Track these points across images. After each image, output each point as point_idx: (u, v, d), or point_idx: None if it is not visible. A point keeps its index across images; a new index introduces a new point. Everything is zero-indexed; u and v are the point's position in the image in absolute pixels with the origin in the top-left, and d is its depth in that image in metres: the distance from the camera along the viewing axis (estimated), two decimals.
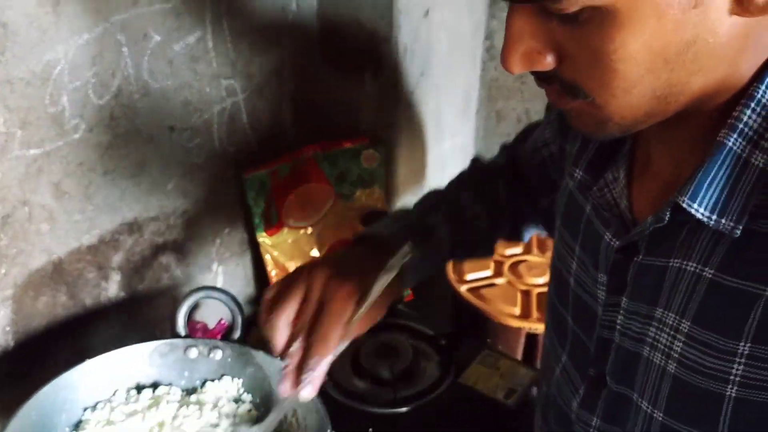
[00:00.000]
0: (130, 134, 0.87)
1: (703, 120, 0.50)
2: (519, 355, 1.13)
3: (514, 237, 0.89)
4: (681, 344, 0.51)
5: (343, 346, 0.62)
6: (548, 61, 0.48)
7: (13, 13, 0.71)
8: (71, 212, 0.84)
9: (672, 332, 0.52)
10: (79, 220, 0.85)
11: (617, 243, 0.56)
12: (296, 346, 0.61)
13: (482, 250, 0.87)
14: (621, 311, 0.57)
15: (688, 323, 0.51)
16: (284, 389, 0.61)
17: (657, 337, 0.53)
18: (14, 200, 0.78)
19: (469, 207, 0.85)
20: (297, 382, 0.60)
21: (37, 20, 0.73)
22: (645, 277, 0.54)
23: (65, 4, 0.75)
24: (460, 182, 0.88)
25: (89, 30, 0.78)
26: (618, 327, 0.57)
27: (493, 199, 0.85)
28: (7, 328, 0.82)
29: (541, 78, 0.50)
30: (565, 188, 0.67)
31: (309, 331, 0.61)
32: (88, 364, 0.76)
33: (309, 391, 0.60)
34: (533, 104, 1.32)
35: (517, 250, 1.27)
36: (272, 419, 0.69)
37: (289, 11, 1.04)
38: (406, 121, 1.16)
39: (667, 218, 0.50)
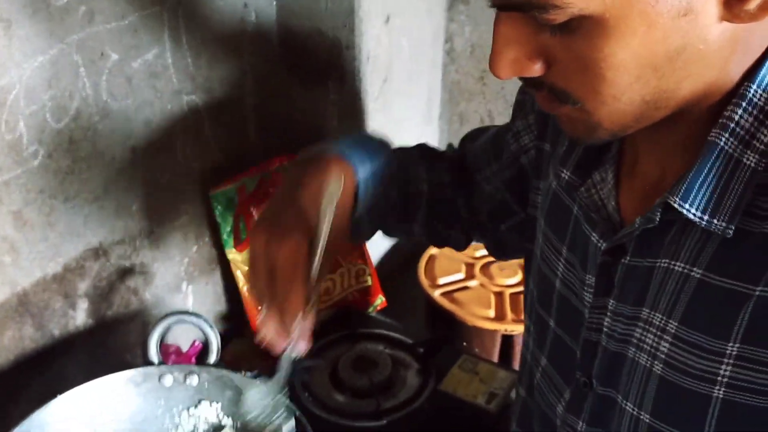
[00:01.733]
0: (91, 157, 0.84)
1: (692, 121, 0.50)
2: (496, 358, 1.13)
3: (445, 238, 0.86)
4: (668, 345, 0.51)
5: (314, 299, 0.61)
6: (537, 68, 0.48)
7: None
8: (34, 242, 0.81)
9: (659, 333, 0.52)
10: (43, 249, 0.82)
11: (604, 244, 0.56)
12: (262, 317, 0.61)
13: (410, 219, 0.82)
14: (608, 313, 0.57)
15: (675, 323, 0.51)
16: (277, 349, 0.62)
17: (643, 338, 0.53)
18: None
19: (415, 165, 0.82)
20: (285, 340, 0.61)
21: None
22: (632, 278, 0.54)
23: (17, 27, 0.71)
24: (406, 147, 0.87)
25: (43, 52, 0.75)
26: (605, 329, 0.57)
27: (438, 174, 0.82)
28: None
29: (530, 84, 0.50)
30: (548, 190, 0.67)
31: (270, 302, 0.61)
32: (58, 401, 0.73)
33: (302, 345, 0.62)
34: (495, 105, 1.32)
35: None
36: (278, 380, 0.69)
37: (248, 22, 1.01)
38: (371, 127, 1.15)
39: (658, 219, 0.51)
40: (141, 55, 0.87)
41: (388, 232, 0.86)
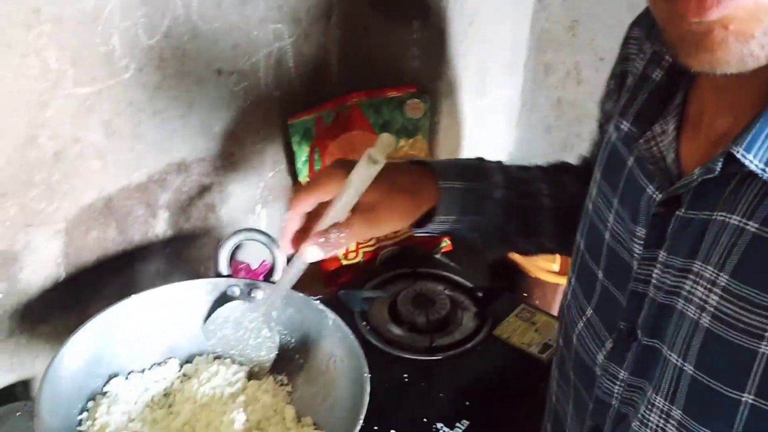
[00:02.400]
0: (179, 75, 0.88)
1: (765, 76, 0.47)
2: (555, 311, 1.13)
3: None
4: (717, 298, 0.51)
5: (342, 236, 0.66)
6: None
7: None
8: (121, 151, 0.86)
9: (708, 286, 0.51)
10: (129, 158, 0.88)
11: (660, 196, 0.55)
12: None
13: (536, 234, 0.82)
14: (657, 265, 0.56)
15: (726, 277, 0.50)
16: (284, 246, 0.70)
17: (692, 290, 0.53)
18: (66, 137, 0.80)
19: (534, 181, 0.83)
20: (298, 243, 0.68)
21: None
22: (685, 230, 0.54)
23: None
24: (525, 166, 0.87)
25: None
26: (653, 281, 0.57)
27: (562, 186, 0.83)
28: (59, 261, 0.86)
29: None
30: (607, 141, 0.66)
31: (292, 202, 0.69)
32: (135, 298, 0.79)
33: (312, 250, 0.66)
34: (583, 57, 1.28)
35: None
36: (283, 282, 0.74)
37: None
38: (452, 71, 1.15)
39: (718, 169, 0.49)
40: None
41: (517, 249, 0.87)
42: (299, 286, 0.79)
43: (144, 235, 0.94)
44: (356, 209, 0.67)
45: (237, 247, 0.99)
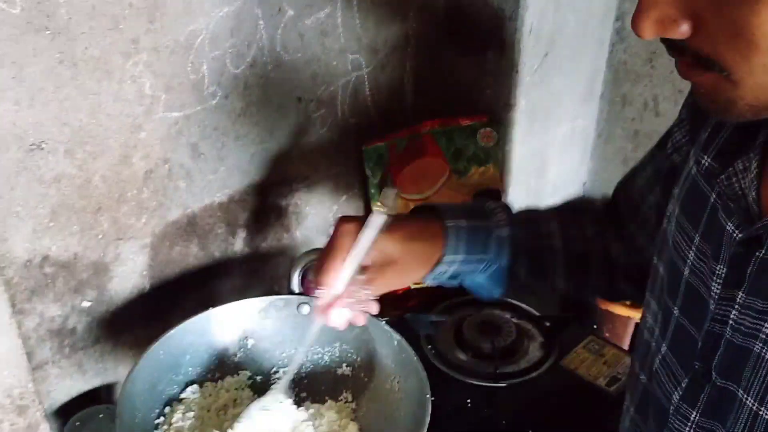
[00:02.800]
0: (261, 102, 0.93)
1: None
2: (626, 345, 1.11)
3: (604, 291, 0.84)
4: None
5: (361, 291, 0.68)
6: (683, 30, 0.45)
7: None
8: (206, 172, 0.92)
9: None
10: (212, 179, 0.93)
11: (740, 235, 0.54)
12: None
13: (545, 277, 0.81)
14: (736, 306, 0.55)
15: None
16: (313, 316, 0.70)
17: None
18: (156, 158, 0.86)
19: (544, 221, 0.82)
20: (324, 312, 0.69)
21: None
22: (765, 272, 0.52)
23: None
24: (535, 208, 0.86)
25: (229, 3, 0.84)
26: (731, 322, 0.56)
27: (577, 227, 0.82)
28: (144, 273, 0.92)
29: (673, 47, 0.48)
30: (687, 175, 0.65)
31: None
32: (212, 312, 0.84)
33: (342, 314, 0.69)
34: (662, 89, 1.27)
35: None
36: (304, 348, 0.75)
37: None
38: (526, 101, 1.16)
39: None
40: (314, 13, 0.94)
41: (529, 291, 0.87)
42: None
43: (223, 252, 0.99)
44: (377, 263, 0.70)
45: (309, 267, 1.03)
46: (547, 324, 1.06)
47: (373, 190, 1.10)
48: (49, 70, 0.72)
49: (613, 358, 1.02)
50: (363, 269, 0.69)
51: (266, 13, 0.88)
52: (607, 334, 1.11)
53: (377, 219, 0.69)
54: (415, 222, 0.77)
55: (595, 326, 1.13)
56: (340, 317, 0.69)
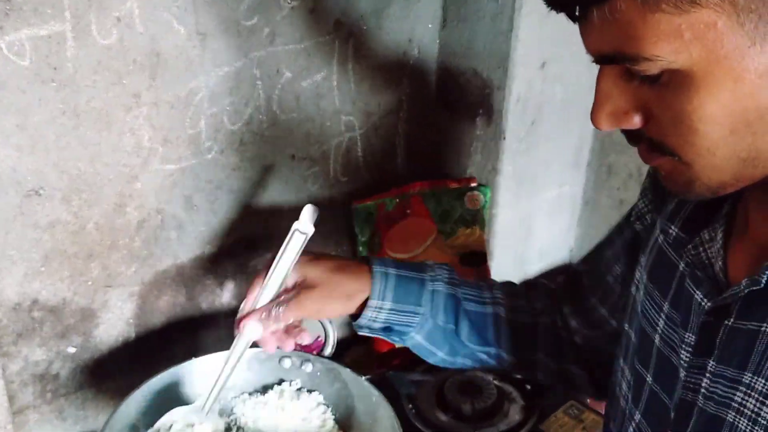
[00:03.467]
0: (255, 159, 0.96)
1: None
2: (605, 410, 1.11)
3: (552, 372, 0.82)
4: None
5: (281, 310, 0.73)
6: (635, 121, 0.51)
7: (166, 44, 0.81)
8: (198, 223, 0.94)
9: (761, 398, 0.51)
10: (204, 231, 0.95)
11: (708, 304, 0.56)
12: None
13: (490, 343, 0.80)
14: (707, 374, 0.56)
15: None
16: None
17: (744, 402, 0.53)
18: (150, 208, 0.88)
19: (488, 288, 0.83)
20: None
21: (185, 52, 0.83)
22: (735, 341, 0.54)
23: (211, 39, 0.85)
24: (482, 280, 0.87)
25: (229, 64, 0.88)
26: (702, 390, 0.57)
27: (525, 298, 0.82)
28: (131, 320, 0.93)
29: (630, 136, 0.53)
30: (654, 244, 0.67)
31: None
32: (195, 361, 0.85)
33: (253, 326, 0.74)
34: None
35: None
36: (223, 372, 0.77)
37: (411, 56, 1.11)
38: (513, 166, 1.20)
39: (764, 281, 0.50)
40: (311, 76, 0.98)
41: (473, 357, 0.82)
42: (352, 365, 0.84)
43: (210, 303, 1.01)
44: (298, 286, 0.74)
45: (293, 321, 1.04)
46: (528, 387, 1.07)
47: (360, 247, 1.12)
48: (52, 120, 0.75)
49: (592, 424, 1.02)
50: (286, 291, 0.74)
51: (265, 74, 0.92)
52: (588, 400, 1.11)
53: (295, 238, 0.73)
54: (345, 260, 0.80)
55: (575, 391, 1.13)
56: (252, 331, 0.73)
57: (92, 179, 0.81)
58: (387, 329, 0.78)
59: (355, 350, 1.17)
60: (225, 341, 1.02)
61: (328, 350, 0.88)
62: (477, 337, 0.81)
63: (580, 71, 1.24)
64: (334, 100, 1.03)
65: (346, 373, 0.85)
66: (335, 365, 0.86)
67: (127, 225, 0.87)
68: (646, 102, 0.49)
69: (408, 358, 1.15)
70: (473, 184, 1.16)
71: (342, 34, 0.99)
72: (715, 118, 0.46)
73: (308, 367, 0.87)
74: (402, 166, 1.16)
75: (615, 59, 0.48)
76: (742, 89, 0.45)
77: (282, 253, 0.73)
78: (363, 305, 0.77)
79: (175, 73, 0.83)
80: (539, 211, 1.32)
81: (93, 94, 0.77)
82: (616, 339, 0.75)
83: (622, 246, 0.76)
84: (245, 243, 1.01)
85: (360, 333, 0.79)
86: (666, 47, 0.45)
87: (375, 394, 0.81)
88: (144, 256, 0.90)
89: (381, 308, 0.76)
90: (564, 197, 1.37)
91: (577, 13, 0.48)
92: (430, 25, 1.11)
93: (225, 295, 1.02)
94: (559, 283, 0.86)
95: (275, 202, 1.02)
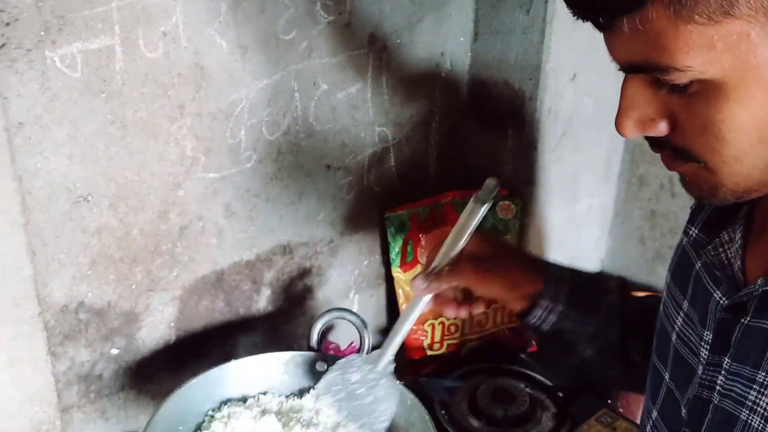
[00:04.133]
0: (292, 168, 0.99)
1: None
2: (639, 419, 1.11)
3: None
4: None
5: (447, 271, 0.73)
6: (661, 128, 0.51)
7: (209, 58, 0.85)
8: (237, 230, 0.97)
9: None
10: (242, 238, 0.98)
11: (726, 302, 0.57)
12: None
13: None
14: (722, 372, 0.57)
15: None
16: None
17: (757, 400, 0.53)
18: (191, 215, 0.92)
19: (658, 301, 0.77)
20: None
21: (227, 66, 0.87)
22: (750, 339, 0.55)
23: (252, 53, 0.88)
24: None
25: (269, 76, 0.91)
26: (718, 387, 0.57)
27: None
28: (172, 324, 0.96)
29: (655, 143, 0.53)
30: (679, 245, 0.69)
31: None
32: (233, 364, 0.87)
33: (419, 283, 0.74)
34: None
35: None
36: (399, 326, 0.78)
37: (443, 69, 1.13)
38: (545, 177, 1.21)
39: None
40: (346, 88, 1.01)
41: (642, 378, 0.76)
42: None
43: (248, 308, 1.03)
44: (469, 255, 0.74)
45: (329, 328, 1.07)
46: (561, 394, 1.07)
47: (393, 256, 1.15)
48: (101, 130, 0.79)
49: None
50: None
51: (302, 86, 0.95)
52: (620, 409, 1.11)
53: (473, 209, 0.73)
54: (525, 254, 0.80)
55: (609, 400, 1.13)
56: (417, 288, 0.74)
57: (138, 187, 0.85)
58: (556, 334, 0.76)
59: None
60: (261, 346, 1.05)
61: (363, 353, 0.90)
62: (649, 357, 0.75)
63: (609, 83, 1.24)
64: (368, 112, 1.06)
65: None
66: (368, 367, 0.87)
67: (169, 231, 0.90)
68: (672, 110, 0.50)
69: (440, 365, 1.17)
70: (505, 194, 1.17)
71: (376, 48, 1.02)
72: (744, 127, 0.47)
73: None
74: (434, 176, 1.18)
75: (644, 69, 0.48)
76: None
77: (461, 222, 0.74)
78: (527, 299, 0.76)
79: (217, 86, 0.87)
80: (570, 222, 1.33)
81: (140, 105, 0.81)
82: None
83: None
84: (282, 250, 1.04)
85: (528, 335, 0.78)
86: (698, 58, 0.45)
87: (410, 398, 0.83)
88: (185, 262, 0.93)
89: (552, 310, 0.75)
90: (594, 208, 1.38)
91: (604, 22, 0.48)
92: (461, 39, 1.13)
93: (261, 301, 1.05)
94: None
95: (311, 211, 1.05)
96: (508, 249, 0.78)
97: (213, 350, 0.99)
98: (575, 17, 0.49)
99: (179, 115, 0.85)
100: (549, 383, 1.10)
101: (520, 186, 1.20)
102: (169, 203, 0.88)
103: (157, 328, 0.94)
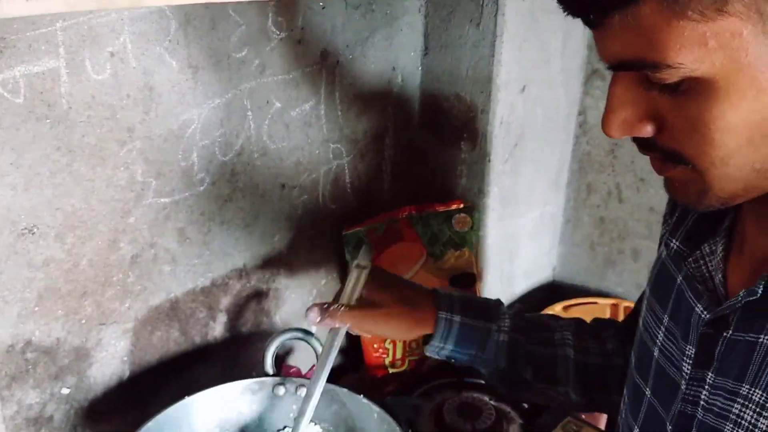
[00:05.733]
0: (246, 189, 0.96)
1: None
2: (602, 425, 1.12)
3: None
4: (767, 423, 0.51)
5: (340, 310, 0.79)
6: (648, 129, 0.50)
7: (159, 78, 0.81)
8: (191, 256, 0.93)
9: (758, 410, 0.52)
10: (197, 263, 0.94)
11: (708, 316, 0.56)
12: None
13: (557, 383, 0.81)
14: (706, 386, 0.56)
15: None
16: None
17: (741, 414, 0.53)
18: (143, 242, 0.87)
19: (558, 329, 0.83)
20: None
21: (178, 85, 0.83)
22: (733, 352, 0.54)
23: (203, 72, 0.85)
24: (557, 316, 0.88)
25: (221, 95, 0.88)
26: (702, 403, 0.57)
27: (595, 340, 0.82)
28: (125, 358, 0.91)
29: (643, 145, 0.52)
30: (658, 258, 0.68)
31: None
32: (188, 400, 0.83)
33: (314, 312, 0.79)
34: (624, 178, 1.34)
35: None
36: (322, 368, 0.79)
37: (395, 83, 1.12)
38: (498, 188, 1.21)
39: (760, 292, 0.51)
40: (299, 106, 0.99)
41: (538, 393, 0.84)
42: (351, 387, 0.84)
43: (204, 336, 0.99)
44: (367, 300, 0.79)
45: (289, 352, 1.04)
46: (526, 406, 1.07)
47: None
48: (46, 157, 0.74)
49: None
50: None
51: (255, 104, 0.92)
52: (583, 416, 1.12)
53: (356, 274, 0.81)
54: (416, 295, 0.82)
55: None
56: (312, 315, 0.79)
57: (86, 215, 0.80)
58: (453, 359, 0.82)
59: (348, 378, 1.16)
60: (219, 375, 1.01)
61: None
62: (543, 378, 0.82)
63: (558, 94, 1.27)
64: (322, 129, 1.04)
65: (343, 392, 0.85)
66: (331, 386, 0.85)
67: (120, 260, 0.86)
68: (660, 110, 0.49)
69: (403, 383, 1.15)
70: (460, 206, 1.17)
71: (328, 64, 1.00)
72: (733, 127, 0.46)
73: (303, 392, 0.86)
74: (389, 192, 1.17)
75: (634, 66, 0.47)
76: (764, 99, 0.45)
77: (349, 286, 0.80)
78: (421, 337, 0.82)
79: (167, 107, 0.83)
80: (523, 231, 1.34)
81: (87, 129, 0.76)
82: None
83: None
84: (238, 274, 1.00)
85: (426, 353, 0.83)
86: (689, 55, 0.44)
87: (376, 410, 0.81)
88: (137, 292, 0.89)
89: (443, 348, 0.80)
90: (546, 217, 1.39)
91: (596, 18, 0.47)
92: (413, 53, 1.13)
93: (218, 328, 1.01)
94: (622, 322, 0.86)
95: (266, 232, 1.02)
96: (402, 295, 0.80)
97: (169, 384, 0.95)
98: (566, 14, 0.48)
99: (128, 139, 0.81)
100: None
101: (474, 198, 1.20)
102: (119, 231, 0.84)
103: (109, 363, 0.89)
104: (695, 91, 0.46)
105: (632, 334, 0.78)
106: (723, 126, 0.46)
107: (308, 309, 0.80)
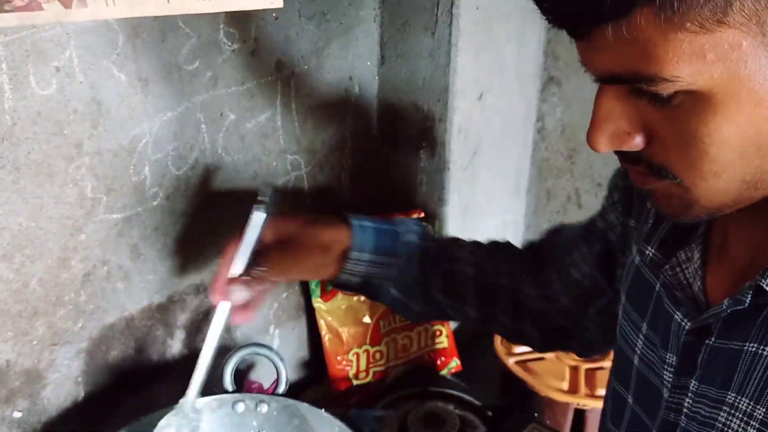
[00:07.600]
0: (202, 203, 0.95)
1: None
2: (567, 430, 1.13)
3: (508, 330, 0.85)
4: (755, 431, 0.51)
5: (264, 272, 0.76)
6: (636, 142, 0.48)
7: (107, 92, 0.79)
8: (145, 273, 0.91)
9: (745, 418, 0.51)
10: (152, 279, 0.92)
11: (689, 324, 0.55)
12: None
13: (459, 301, 0.82)
14: (689, 394, 0.56)
15: (764, 410, 0.50)
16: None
17: (728, 422, 0.52)
18: (95, 260, 0.85)
19: (458, 247, 0.84)
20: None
21: (127, 99, 0.82)
22: (717, 360, 0.54)
23: (153, 85, 0.84)
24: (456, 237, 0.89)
25: (173, 108, 0.87)
26: (685, 410, 0.56)
27: (491, 259, 0.84)
28: (79, 379, 0.89)
29: (627, 158, 0.50)
30: (630, 265, 0.67)
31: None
32: (146, 420, 0.81)
33: (239, 291, 0.75)
34: (582, 183, 1.36)
35: None
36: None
37: (352, 93, 1.12)
38: (459, 196, 1.22)
39: (748, 301, 0.50)
40: (255, 117, 0.98)
41: (443, 313, 0.86)
42: (314, 401, 0.82)
43: (161, 355, 0.97)
44: (276, 245, 0.77)
45: (250, 367, 1.02)
46: (490, 414, 1.07)
47: (313, 286, 1.11)
48: None
49: None
50: (262, 258, 0.75)
51: (208, 117, 0.91)
52: (547, 421, 1.13)
53: (257, 215, 0.77)
54: (318, 215, 0.81)
55: (536, 414, 1.14)
56: (238, 296, 0.73)
57: (34, 234, 0.78)
58: (365, 284, 0.79)
59: (312, 391, 1.15)
60: (177, 394, 0.99)
61: (282, 388, 0.87)
62: (447, 293, 0.82)
63: (515, 102, 1.28)
64: (279, 140, 1.03)
65: (304, 407, 0.84)
66: (291, 401, 0.84)
67: (72, 279, 0.83)
68: (650, 122, 0.47)
69: (368, 394, 1.14)
70: (420, 216, 1.16)
71: (284, 75, 1.00)
72: (728, 141, 0.44)
73: (263, 408, 0.85)
74: (349, 202, 1.16)
75: (626, 79, 0.45)
76: (761, 112, 0.43)
77: (247, 228, 0.76)
78: (339, 261, 0.78)
79: (117, 121, 0.81)
80: (485, 239, 1.34)
81: (33, 146, 0.74)
82: (566, 313, 0.78)
83: (584, 236, 0.78)
84: (195, 289, 0.99)
85: (340, 290, 0.81)
86: (687, 68, 0.42)
87: (338, 425, 0.80)
88: (90, 311, 0.87)
89: (360, 260, 0.77)
90: (507, 224, 1.40)
91: (584, 30, 0.44)
92: (368, 63, 1.13)
93: (176, 346, 0.99)
94: (523, 250, 0.87)
95: (223, 245, 1.00)
96: (308, 219, 0.79)
97: (126, 404, 0.93)
98: (551, 25, 0.45)
99: (77, 155, 0.79)
100: (478, 403, 1.09)
101: (435, 207, 1.20)
102: (69, 249, 0.82)
103: (63, 385, 0.87)
104: (690, 103, 0.44)
105: (530, 266, 0.83)
106: (718, 139, 0.44)
107: (224, 287, 0.75)
